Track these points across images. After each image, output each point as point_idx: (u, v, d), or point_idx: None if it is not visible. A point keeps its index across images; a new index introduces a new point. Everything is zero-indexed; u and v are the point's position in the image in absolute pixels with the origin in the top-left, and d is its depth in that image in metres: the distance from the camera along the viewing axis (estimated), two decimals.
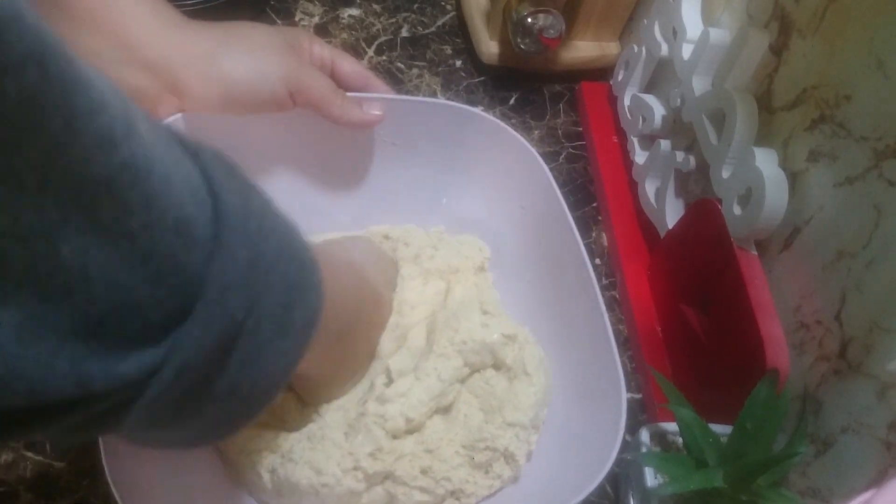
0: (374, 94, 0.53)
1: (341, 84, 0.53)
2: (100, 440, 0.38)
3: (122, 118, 0.21)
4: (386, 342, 0.48)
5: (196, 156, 0.26)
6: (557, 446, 0.47)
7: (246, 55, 0.46)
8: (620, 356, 0.44)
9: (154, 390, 0.24)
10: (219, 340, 0.25)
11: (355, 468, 0.43)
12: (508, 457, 0.46)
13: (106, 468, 0.37)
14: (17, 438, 0.23)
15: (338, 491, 0.43)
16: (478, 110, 0.55)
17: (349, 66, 0.53)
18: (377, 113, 0.52)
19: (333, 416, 0.45)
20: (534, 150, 0.53)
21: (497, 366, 0.49)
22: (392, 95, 0.54)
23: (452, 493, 0.45)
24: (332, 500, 0.43)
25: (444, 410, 0.47)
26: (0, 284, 0.20)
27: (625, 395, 0.43)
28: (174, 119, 0.47)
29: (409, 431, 0.46)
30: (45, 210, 0.20)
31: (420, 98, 0.56)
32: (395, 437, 0.45)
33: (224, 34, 0.46)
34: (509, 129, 0.54)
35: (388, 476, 0.44)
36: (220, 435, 0.31)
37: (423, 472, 0.44)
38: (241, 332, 0.26)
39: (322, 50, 0.52)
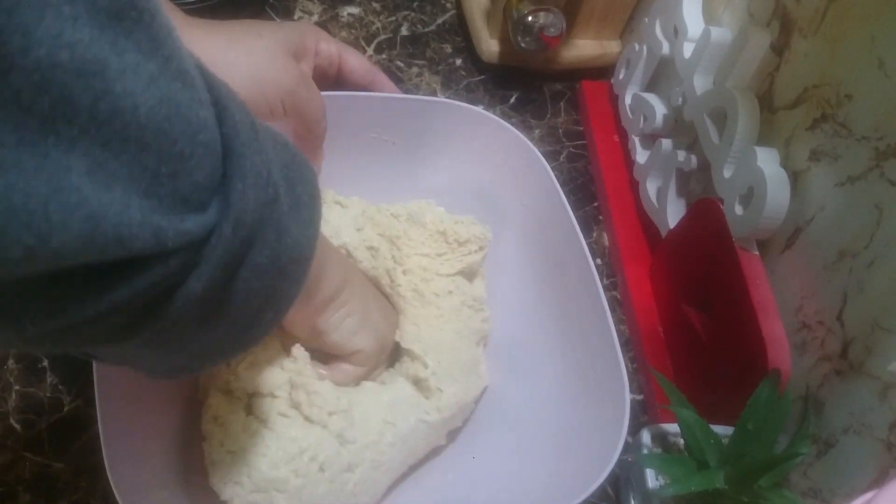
0: (376, 94, 0.53)
1: (348, 79, 0.53)
2: (102, 443, 0.38)
3: None
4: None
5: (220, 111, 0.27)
6: (559, 446, 0.47)
7: (249, 67, 0.46)
8: (622, 357, 0.44)
9: (218, 249, 0.26)
10: (256, 196, 0.27)
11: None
12: None
13: (108, 468, 0.37)
14: (89, 308, 0.23)
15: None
16: (480, 109, 0.55)
17: (355, 61, 0.53)
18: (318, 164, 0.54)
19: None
20: (536, 150, 0.53)
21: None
22: (394, 94, 0.54)
23: None
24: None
25: None
26: (68, 127, 0.20)
27: (628, 396, 0.43)
28: None
29: None
30: (99, 42, 0.20)
31: (422, 97, 0.56)
32: None
33: (228, 40, 0.46)
34: (512, 128, 0.54)
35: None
36: (254, 336, 0.32)
37: None
38: (268, 198, 0.28)
39: (329, 46, 0.51)
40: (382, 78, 0.54)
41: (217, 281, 0.27)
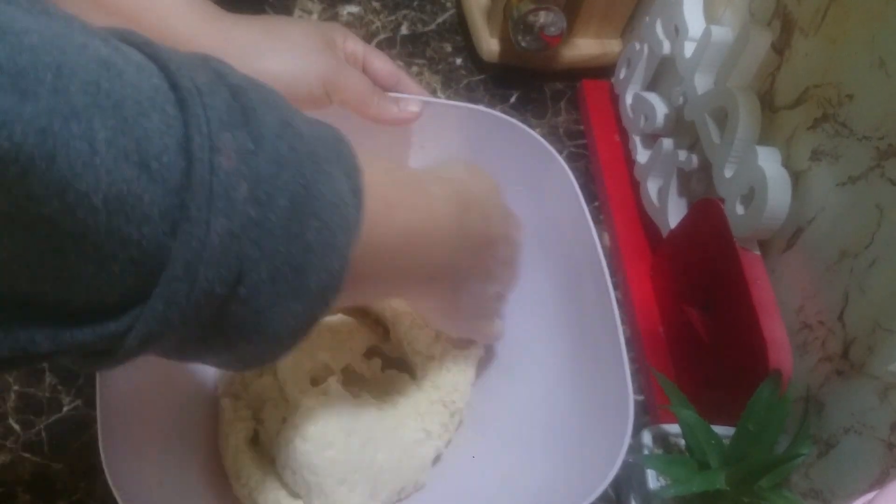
0: (406, 95, 0.53)
1: (372, 80, 0.53)
2: (99, 441, 0.38)
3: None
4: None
5: (184, 102, 0.24)
6: (562, 452, 0.47)
7: (286, 53, 0.46)
8: (628, 368, 0.44)
9: (121, 353, 0.25)
10: (193, 312, 0.25)
11: None
12: None
13: (106, 469, 0.37)
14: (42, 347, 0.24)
15: None
16: (511, 119, 0.53)
17: (381, 63, 0.53)
18: (414, 110, 0.51)
19: None
20: (566, 167, 0.51)
21: None
22: (422, 97, 0.53)
23: None
24: None
25: None
26: None
27: (632, 405, 0.42)
28: None
29: None
30: None
31: (452, 102, 0.55)
32: None
33: (263, 30, 0.46)
34: (541, 139, 0.52)
35: None
36: (250, 366, 0.31)
37: None
38: (230, 299, 0.26)
39: (355, 46, 0.51)
40: (407, 80, 0.54)
41: (154, 352, 0.26)
